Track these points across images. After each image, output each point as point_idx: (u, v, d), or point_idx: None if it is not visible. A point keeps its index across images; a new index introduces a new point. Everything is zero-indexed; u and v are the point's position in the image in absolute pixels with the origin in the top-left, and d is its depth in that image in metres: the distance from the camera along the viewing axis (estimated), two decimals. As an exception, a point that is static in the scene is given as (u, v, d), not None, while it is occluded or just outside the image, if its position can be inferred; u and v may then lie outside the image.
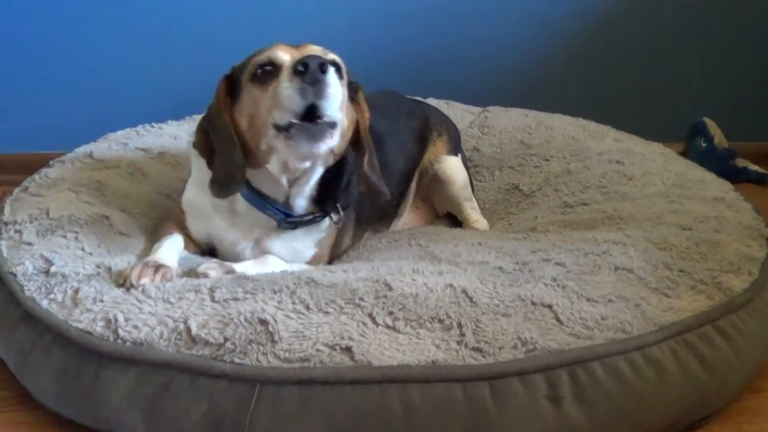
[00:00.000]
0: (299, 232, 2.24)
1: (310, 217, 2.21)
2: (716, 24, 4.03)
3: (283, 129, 1.94)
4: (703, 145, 3.87)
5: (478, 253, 2.19)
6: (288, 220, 2.20)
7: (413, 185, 2.77)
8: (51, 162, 2.77)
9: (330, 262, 2.37)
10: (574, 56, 3.95)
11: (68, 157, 2.80)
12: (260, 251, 2.24)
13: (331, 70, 1.91)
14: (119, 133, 3.09)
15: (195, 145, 2.20)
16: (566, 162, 2.93)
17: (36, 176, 2.62)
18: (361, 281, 1.92)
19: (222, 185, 2.08)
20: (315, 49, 2.06)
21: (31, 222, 2.30)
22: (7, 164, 3.84)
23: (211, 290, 1.91)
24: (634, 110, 3.98)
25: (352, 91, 2.13)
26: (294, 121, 1.92)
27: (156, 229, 2.37)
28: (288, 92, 1.90)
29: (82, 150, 2.87)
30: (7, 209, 2.41)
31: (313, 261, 2.30)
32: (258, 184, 2.16)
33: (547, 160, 2.98)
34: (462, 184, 2.77)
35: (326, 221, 2.25)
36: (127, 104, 3.78)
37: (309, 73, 1.87)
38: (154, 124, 3.18)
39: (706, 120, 3.91)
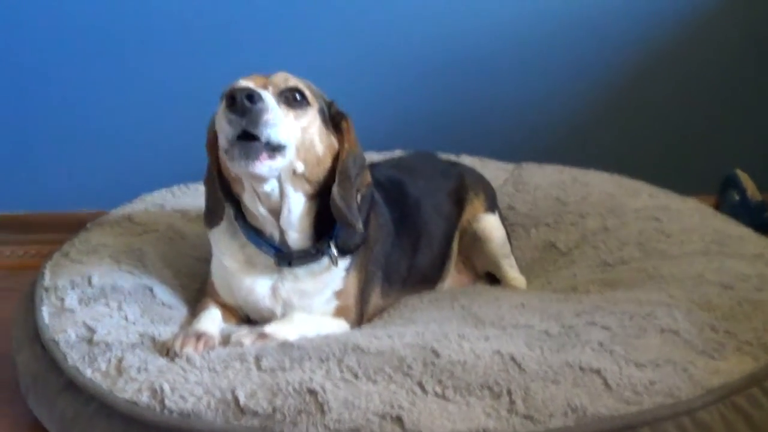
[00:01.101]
0: (310, 282, 2.27)
1: (302, 253, 2.24)
2: (747, 76, 4.02)
3: (226, 152, 2.04)
4: (736, 198, 3.84)
5: (522, 315, 2.18)
6: (278, 255, 2.23)
7: (455, 246, 2.76)
8: (88, 225, 2.77)
9: (362, 320, 2.37)
10: (605, 110, 3.94)
11: (106, 219, 2.81)
12: (277, 301, 2.27)
13: (265, 98, 2.01)
14: (155, 194, 3.11)
15: (204, 183, 2.31)
16: (603, 219, 2.92)
17: (75, 241, 2.63)
18: (408, 348, 1.92)
19: (209, 214, 2.25)
20: (278, 77, 2.16)
21: (73, 288, 2.31)
22: (41, 223, 3.86)
23: (257, 359, 1.91)
24: (666, 163, 3.96)
25: (334, 119, 2.23)
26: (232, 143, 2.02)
27: (196, 300, 2.37)
28: (221, 122, 2.02)
29: (119, 212, 2.88)
30: (47, 274, 2.42)
31: (338, 314, 2.30)
32: (251, 218, 2.25)
33: (583, 217, 2.96)
34: (501, 241, 2.77)
35: (332, 267, 2.28)
36: (161, 164, 3.80)
37: (236, 105, 1.97)
38: (189, 185, 3.19)
39: (738, 172, 3.89)
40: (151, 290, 2.35)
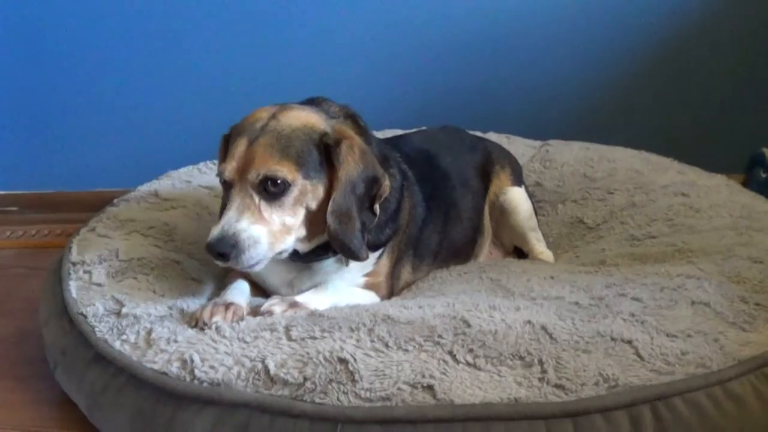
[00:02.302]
0: (330, 274, 2.26)
1: (312, 255, 2.22)
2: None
3: None
4: (763, 176, 3.82)
5: (552, 287, 2.18)
6: (293, 259, 2.21)
7: (486, 223, 2.76)
8: (115, 200, 2.78)
9: (393, 294, 2.37)
10: (633, 88, 3.91)
11: (133, 195, 2.81)
12: (294, 291, 2.26)
13: (242, 245, 2.00)
14: (181, 170, 3.11)
15: None
16: (630, 195, 2.90)
17: (103, 216, 2.63)
18: (439, 318, 1.92)
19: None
20: (251, 173, 2.05)
21: (101, 263, 2.31)
22: (66, 202, 3.87)
23: (287, 329, 1.92)
24: (693, 142, 3.94)
25: (328, 149, 2.10)
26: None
27: (224, 275, 2.37)
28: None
29: (146, 188, 2.88)
30: (74, 249, 2.42)
31: (369, 288, 2.31)
32: None
33: (611, 193, 2.95)
34: (527, 214, 2.76)
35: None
36: (186, 141, 3.80)
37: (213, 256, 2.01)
38: (215, 161, 3.19)
39: (766, 150, 3.86)
40: (180, 264, 2.35)
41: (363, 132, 2.23)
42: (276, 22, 3.77)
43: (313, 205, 2.08)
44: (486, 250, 2.77)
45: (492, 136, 3.26)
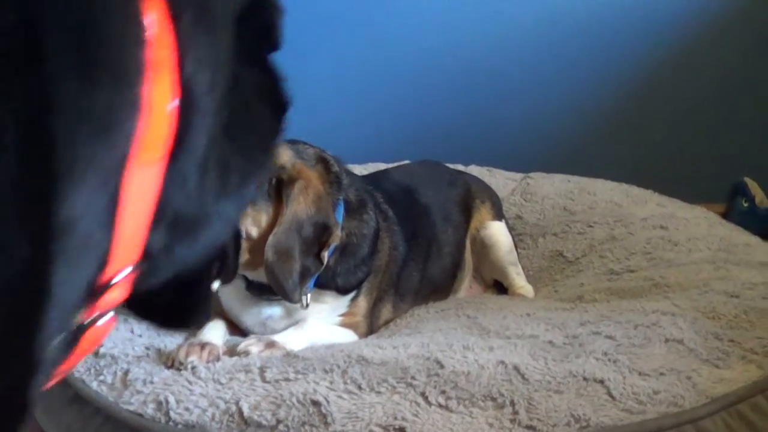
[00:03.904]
0: (304, 314, 2.26)
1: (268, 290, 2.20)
2: (754, 84, 4.02)
3: None
4: (745, 205, 3.85)
5: (527, 325, 2.18)
6: (247, 288, 2.23)
7: (468, 257, 2.77)
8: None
9: (372, 332, 2.38)
10: (613, 120, 3.95)
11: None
12: (267, 331, 2.26)
13: None
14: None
15: None
16: (610, 228, 2.92)
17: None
18: (412, 358, 1.92)
19: None
20: None
21: (79, 302, 2.31)
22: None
23: (262, 370, 1.92)
24: (675, 172, 3.96)
25: (278, 187, 2.10)
26: None
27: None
28: None
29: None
30: (54, 288, 2.42)
31: (347, 326, 2.32)
32: None
33: (591, 226, 2.96)
34: (507, 248, 2.78)
35: (338, 297, 2.29)
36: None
37: None
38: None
39: (747, 180, 3.90)
40: (158, 302, 2.36)
41: (333, 178, 2.23)
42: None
43: (253, 232, 2.08)
44: (466, 284, 2.78)
45: (474, 169, 3.28)
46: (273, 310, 2.26)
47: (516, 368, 1.87)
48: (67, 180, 0.68)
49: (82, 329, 0.83)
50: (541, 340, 2.07)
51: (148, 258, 0.86)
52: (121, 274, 0.83)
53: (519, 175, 3.43)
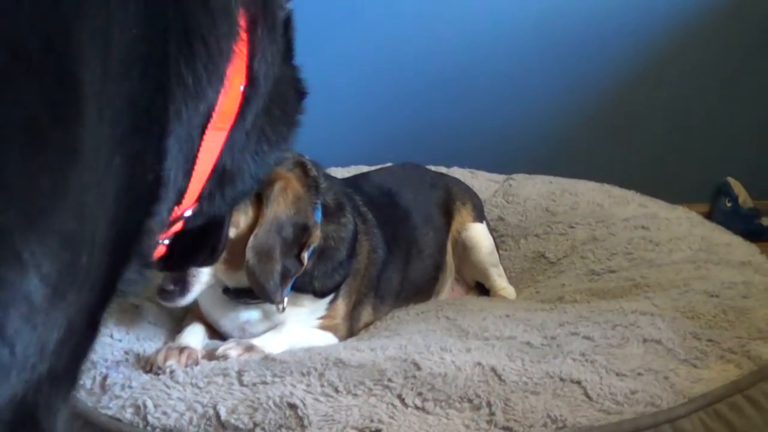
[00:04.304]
0: (282, 317, 2.26)
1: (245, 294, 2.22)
2: (736, 84, 4.03)
3: None
4: (728, 205, 3.86)
5: (506, 326, 2.18)
6: (225, 292, 2.23)
7: (449, 259, 2.77)
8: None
9: (352, 335, 2.39)
10: (596, 120, 3.95)
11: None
12: (246, 335, 2.26)
13: None
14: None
15: None
16: (592, 229, 2.93)
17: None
18: (390, 361, 1.92)
19: None
20: None
21: (59, 306, 2.30)
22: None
23: (239, 374, 1.91)
24: (658, 172, 3.98)
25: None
26: None
27: (183, 317, 2.38)
28: None
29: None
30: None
31: (326, 329, 2.32)
32: None
33: (573, 227, 2.97)
34: (488, 250, 2.78)
35: (315, 300, 2.29)
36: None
37: None
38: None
39: (730, 180, 3.90)
40: (138, 308, 2.36)
41: (310, 182, 2.23)
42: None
43: (231, 234, 2.06)
44: (448, 286, 2.78)
45: (456, 171, 3.29)
46: (251, 314, 2.26)
47: (493, 369, 1.87)
48: (175, 125, 0.94)
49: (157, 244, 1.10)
50: (519, 341, 2.07)
51: (198, 202, 1.13)
52: (187, 212, 1.13)
53: (501, 177, 3.43)
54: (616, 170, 3.67)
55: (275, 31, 1.20)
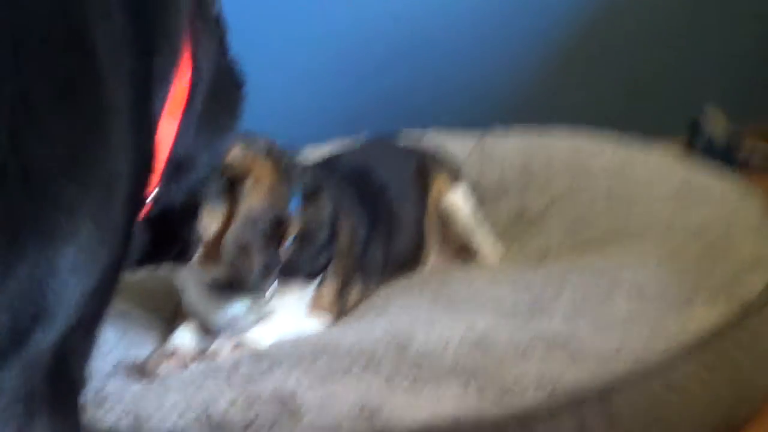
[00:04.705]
0: (271, 305, 2.24)
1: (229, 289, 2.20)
2: (707, 8, 4.00)
3: None
4: (703, 141, 3.83)
5: (493, 289, 2.18)
6: (210, 287, 2.21)
7: (431, 230, 2.77)
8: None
9: (342, 316, 2.37)
10: (566, 61, 3.90)
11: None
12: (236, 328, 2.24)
13: None
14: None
15: None
16: (570, 181, 2.92)
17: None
18: (377, 342, 1.92)
19: None
20: None
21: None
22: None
23: (231, 371, 1.92)
24: (635, 108, 3.93)
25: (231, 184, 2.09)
26: None
27: (173, 318, 2.37)
28: None
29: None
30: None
31: (315, 314, 2.30)
32: None
33: (550, 181, 2.96)
34: (469, 211, 2.78)
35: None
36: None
37: None
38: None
39: (709, 110, 3.86)
40: (128, 314, 2.36)
41: (284, 168, 2.22)
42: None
43: (209, 231, 2.05)
44: (434, 256, 2.78)
45: (431, 134, 3.27)
46: (239, 307, 2.25)
47: (481, 338, 1.88)
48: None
49: None
50: (506, 303, 2.07)
51: (159, 186, 1.23)
52: (153, 193, 1.22)
53: (476, 135, 3.39)
54: (592, 110, 3.66)
55: (210, 26, 1.34)
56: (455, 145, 3.19)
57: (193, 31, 1.23)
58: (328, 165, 2.63)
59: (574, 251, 2.45)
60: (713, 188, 2.63)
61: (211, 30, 1.34)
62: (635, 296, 2.01)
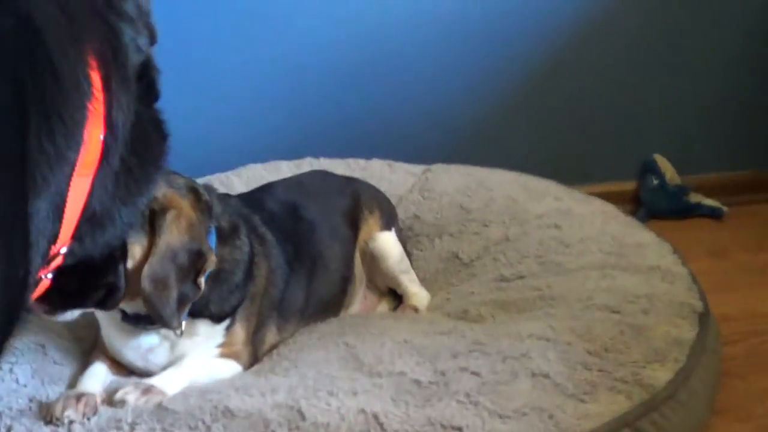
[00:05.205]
0: (185, 342, 2.25)
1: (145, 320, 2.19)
2: (657, 60, 3.98)
3: None
4: (655, 182, 3.85)
5: (401, 357, 2.15)
6: (124, 320, 2.21)
7: (358, 270, 2.77)
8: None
9: (256, 359, 2.38)
10: (516, 102, 3.87)
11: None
12: (149, 365, 2.26)
13: None
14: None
15: None
16: (505, 227, 2.90)
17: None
18: (276, 409, 1.92)
19: None
20: None
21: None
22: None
23: (132, 426, 1.92)
24: (583, 152, 3.94)
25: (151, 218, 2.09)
26: None
27: (89, 352, 2.36)
28: None
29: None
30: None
31: (227, 357, 2.31)
32: None
33: (486, 225, 2.94)
34: (397, 258, 2.77)
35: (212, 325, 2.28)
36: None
37: None
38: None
39: (657, 157, 3.89)
40: (44, 347, 2.35)
41: (203, 206, 2.21)
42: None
43: (129, 264, 2.05)
44: (360, 296, 2.77)
45: (375, 163, 3.27)
46: (152, 341, 2.24)
47: (375, 417, 1.87)
48: (42, 187, 1.12)
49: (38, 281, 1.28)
50: (408, 378, 2.05)
51: (73, 241, 1.28)
52: (63, 250, 1.28)
53: (420, 168, 3.37)
54: (539, 153, 3.65)
55: (128, 81, 1.35)
56: (397, 177, 3.19)
57: (107, 91, 1.25)
58: (256, 198, 2.63)
59: (494, 311, 2.45)
60: (645, 252, 2.64)
61: (129, 83, 1.36)
62: (537, 381, 2.00)
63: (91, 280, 1.95)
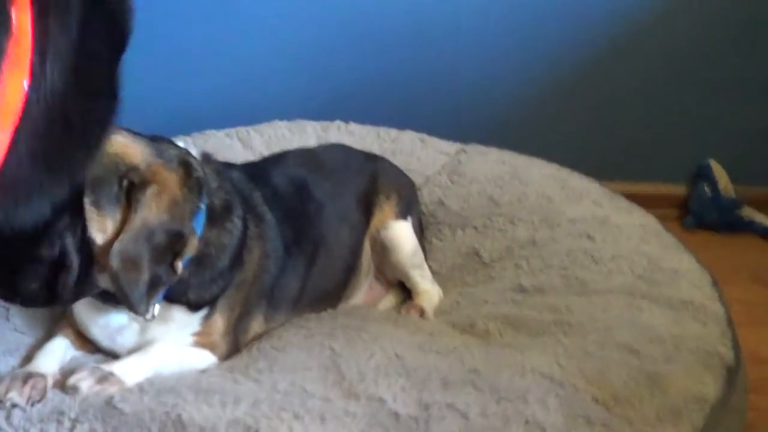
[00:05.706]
0: (157, 327, 2.08)
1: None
2: (723, 60, 3.74)
3: None
4: (707, 191, 3.61)
5: (385, 378, 1.93)
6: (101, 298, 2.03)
7: (366, 259, 2.57)
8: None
9: (238, 350, 2.20)
10: (567, 89, 3.66)
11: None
12: (116, 345, 2.11)
13: None
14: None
15: None
16: (533, 229, 2.68)
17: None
18: (232, 426, 1.73)
19: None
20: None
21: None
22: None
23: (74, 423, 1.75)
24: (633, 148, 3.72)
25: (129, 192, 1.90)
26: None
27: (58, 320, 2.20)
28: None
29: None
30: None
31: (201, 347, 2.13)
32: None
33: (514, 223, 2.72)
34: (411, 250, 2.56)
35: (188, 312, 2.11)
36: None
37: None
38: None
39: (712, 162, 3.65)
40: (7, 311, 2.22)
41: (193, 183, 2.01)
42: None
43: (98, 239, 1.86)
44: (365, 287, 2.59)
45: (408, 135, 3.06)
46: (122, 321, 2.07)
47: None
48: None
49: None
50: (386, 408, 1.83)
51: None
52: None
53: (454, 147, 3.14)
54: (584, 145, 3.44)
55: (70, 23, 1.15)
56: (428, 154, 2.98)
57: (38, 32, 1.09)
58: (262, 170, 2.43)
59: (503, 329, 2.23)
60: (680, 280, 2.40)
61: (69, 27, 1.15)
62: (533, 430, 1.78)
63: (24, 258, 1.70)
